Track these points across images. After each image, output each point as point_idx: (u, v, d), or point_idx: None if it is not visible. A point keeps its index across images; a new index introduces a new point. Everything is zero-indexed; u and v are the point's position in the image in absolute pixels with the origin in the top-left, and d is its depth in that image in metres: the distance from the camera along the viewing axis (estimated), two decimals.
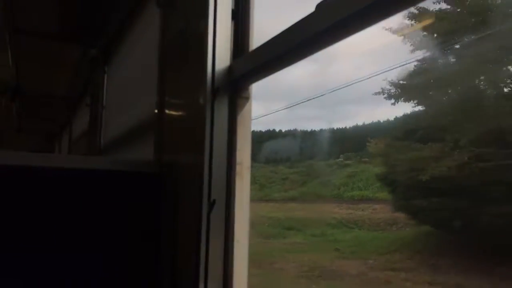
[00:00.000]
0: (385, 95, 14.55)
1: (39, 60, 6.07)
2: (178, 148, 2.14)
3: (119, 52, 4.32)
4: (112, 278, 1.91)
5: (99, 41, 4.70)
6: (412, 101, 14.47)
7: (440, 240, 13.44)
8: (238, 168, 1.85)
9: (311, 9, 1.37)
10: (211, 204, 1.78)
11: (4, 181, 1.74)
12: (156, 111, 2.45)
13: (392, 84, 14.46)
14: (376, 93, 14.77)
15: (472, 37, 11.70)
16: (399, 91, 14.43)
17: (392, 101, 14.66)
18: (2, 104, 8.40)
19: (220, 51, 1.86)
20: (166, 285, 1.97)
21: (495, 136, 11.28)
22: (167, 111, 2.33)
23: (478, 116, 11.75)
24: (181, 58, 2.17)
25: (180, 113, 2.20)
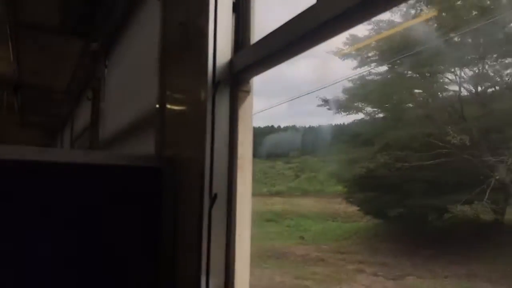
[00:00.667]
0: (327, 107, 17.93)
1: (40, 54, 6.07)
2: (179, 142, 2.13)
3: (120, 45, 4.31)
4: (112, 271, 1.91)
5: (101, 35, 4.69)
6: (348, 112, 17.53)
7: (383, 228, 16.56)
8: (239, 161, 1.83)
9: (313, 1, 1.35)
10: (213, 198, 1.78)
11: (5, 175, 1.73)
12: (157, 104, 2.44)
13: (323, 100, 17.65)
14: (319, 105, 17.96)
15: (399, 58, 14.28)
16: (336, 104, 17.61)
17: (334, 111, 17.89)
18: (4, 99, 8.41)
19: (221, 44, 1.84)
20: (167, 279, 1.97)
21: (411, 142, 14.06)
22: (168, 105, 2.32)
23: (398, 125, 14.70)
24: (181, 52, 2.16)
25: (181, 107, 2.19)
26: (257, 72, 1.78)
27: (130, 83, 3.76)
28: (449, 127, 12.86)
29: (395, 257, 13.84)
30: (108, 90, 4.84)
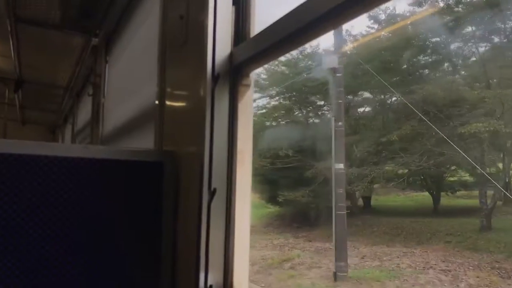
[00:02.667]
0: None
1: (41, 50, 6.06)
2: (179, 136, 2.12)
3: (121, 40, 4.29)
4: (111, 266, 1.89)
5: (101, 30, 4.68)
6: None
7: (278, 211, 23.83)
8: (239, 156, 1.82)
9: None
10: (212, 193, 1.76)
11: (6, 170, 1.72)
12: (156, 98, 2.43)
13: None
14: None
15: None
16: None
17: None
18: (6, 96, 8.41)
19: (220, 38, 1.82)
20: (166, 274, 1.95)
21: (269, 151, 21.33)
22: (167, 99, 2.30)
23: (273, 139, 21.43)
24: (181, 45, 2.14)
25: (180, 100, 2.17)
26: (258, 65, 1.76)
27: (131, 78, 3.75)
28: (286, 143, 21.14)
29: (275, 228, 21.85)
30: (108, 85, 4.83)
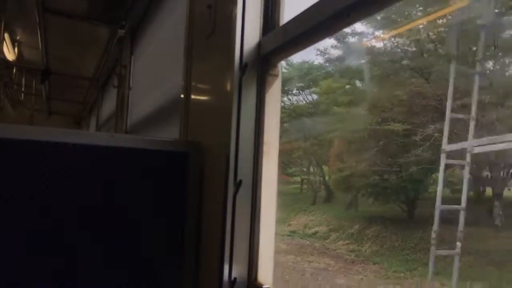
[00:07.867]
0: None
1: (68, 41, 6.11)
2: (205, 127, 2.10)
3: (147, 32, 4.29)
4: (134, 254, 1.89)
5: (127, 21, 4.68)
6: None
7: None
8: (265, 147, 1.79)
9: None
10: (238, 185, 1.74)
11: (33, 156, 1.73)
12: (183, 89, 2.41)
13: None
14: None
15: None
16: None
17: None
18: (33, 86, 8.52)
19: (249, 26, 1.79)
20: (189, 265, 1.94)
21: None
22: (193, 89, 2.28)
23: None
24: (209, 35, 2.11)
25: (206, 90, 2.15)
26: (286, 55, 1.72)
27: (156, 69, 3.74)
28: None
29: None
30: (134, 77, 4.84)
